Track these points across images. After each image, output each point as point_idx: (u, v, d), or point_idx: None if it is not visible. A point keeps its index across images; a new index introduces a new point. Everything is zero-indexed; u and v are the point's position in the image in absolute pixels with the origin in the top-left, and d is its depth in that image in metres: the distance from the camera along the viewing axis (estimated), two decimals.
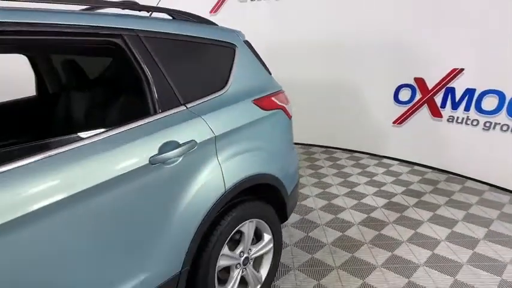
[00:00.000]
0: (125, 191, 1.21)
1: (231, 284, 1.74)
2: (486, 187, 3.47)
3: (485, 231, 2.64)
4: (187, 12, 1.76)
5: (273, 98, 1.95)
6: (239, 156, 1.66)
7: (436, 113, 3.88)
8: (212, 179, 1.52)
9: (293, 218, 2.91)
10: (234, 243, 1.78)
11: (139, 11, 1.61)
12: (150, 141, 1.30)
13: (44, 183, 1.02)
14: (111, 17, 1.35)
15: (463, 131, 3.66)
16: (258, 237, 1.92)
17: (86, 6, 1.67)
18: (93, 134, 1.18)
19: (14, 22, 1.08)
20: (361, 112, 4.49)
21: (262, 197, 1.88)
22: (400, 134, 4.24)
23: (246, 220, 1.74)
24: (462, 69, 3.57)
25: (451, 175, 3.79)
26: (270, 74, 2.10)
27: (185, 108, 1.49)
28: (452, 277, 2.13)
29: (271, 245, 1.96)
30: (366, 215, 2.94)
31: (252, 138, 1.76)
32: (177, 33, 1.58)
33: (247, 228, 1.77)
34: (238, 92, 1.76)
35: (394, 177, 3.77)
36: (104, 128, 1.24)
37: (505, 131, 3.34)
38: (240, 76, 1.81)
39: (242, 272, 1.80)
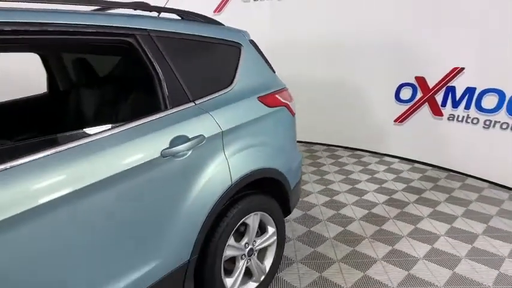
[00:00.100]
0: (139, 182, 1.28)
1: (236, 274, 1.81)
2: (486, 184, 3.52)
3: (484, 227, 2.70)
4: (195, 13, 1.82)
5: (277, 96, 2.02)
6: (245, 151, 1.73)
7: (436, 111, 3.93)
8: (219, 173, 1.59)
9: (296, 213, 2.98)
10: (239, 235, 1.85)
11: (150, 11, 1.68)
12: (161, 135, 1.37)
13: (65, 173, 1.10)
14: (125, 17, 1.42)
15: (464, 129, 3.71)
16: (262, 229, 1.99)
17: (98, 7, 1.74)
18: (109, 128, 1.25)
19: (37, 23, 1.16)
20: (363, 111, 4.55)
21: (267, 191, 1.95)
22: (401, 132, 4.30)
23: (251, 213, 1.81)
24: (463, 68, 3.63)
25: (451, 173, 3.85)
26: (274, 72, 2.16)
27: (194, 104, 1.56)
28: (450, 270, 2.19)
29: (275, 237, 2.03)
30: (367, 211, 3.00)
31: (257, 134, 1.83)
32: (186, 32, 1.65)
33: (252, 220, 1.84)
34: (243, 89, 1.83)
35: (395, 175, 3.83)
36: (118, 122, 1.31)
37: (504, 129, 3.39)
38: (245, 74, 1.87)
39: (247, 262, 1.87)
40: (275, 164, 1.91)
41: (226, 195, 1.61)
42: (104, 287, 1.22)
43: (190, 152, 1.45)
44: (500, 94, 3.38)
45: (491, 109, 3.47)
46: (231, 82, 1.80)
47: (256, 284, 1.94)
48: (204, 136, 1.51)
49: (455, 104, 3.76)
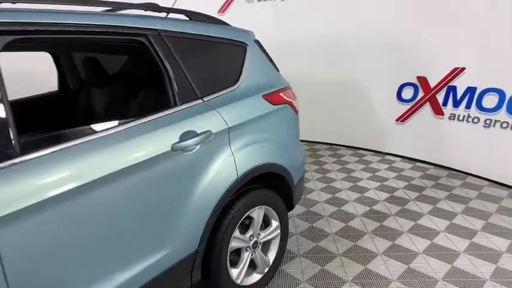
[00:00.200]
0: (151, 173, 1.35)
1: (241, 265, 1.88)
2: (486, 182, 3.58)
3: (483, 223, 2.76)
4: (203, 14, 1.89)
5: (281, 94, 2.09)
6: (250, 147, 1.79)
7: (438, 110, 3.99)
8: (226, 167, 1.65)
9: (298, 209, 3.04)
10: (244, 228, 1.91)
11: (160, 12, 1.75)
12: (172, 130, 1.45)
13: (86, 164, 1.17)
14: (138, 18, 1.49)
15: (464, 129, 3.76)
16: (266, 223, 2.06)
17: (109, 8, 1.81)
18: (124, 122, 1.33)
19: (57, 23, 1.23)
20: (365, 110, 4.61)
21: (271, 186, 2.02)
22: (403, 132, 4.36)
23: (255, 206, 1.88)
24: (463, 68, 3.68)
25: (452, 171, 3.90)
26: (278, 71, 2.23)
27: (202, 101, 1.63)
28: (449, 264, 2.25)
29: (279, 231, 2.09)
30: (368, 208, 3.06)
31: (262, 130, 1.90)
32: (194, 32, 1.72)
33: (257, 214, 1.91)
34: (249, 87, 1.90)
35: (397, 173, 3.88)
36: (131, 118, 1.38)
37: (504, 128, 3.45)
38: (251, 73, 1.94)
39: (251, 255, 1.94)
40: (279, 159, 1.98)
41: (232, 189, 1.68)
42: (120, 272, 1.29)
43: (198, 147, 1.52)
44: (500, 94, 3.44)
45: (491, 108, 3.52)
46: (237, 80, 1.87)
47: (260, 276, 2.01)
48: (211, 132, 1.58)
49: (456, 104, 3.82)
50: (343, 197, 3.29)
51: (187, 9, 1.86)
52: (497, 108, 3.48)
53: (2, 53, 1.10)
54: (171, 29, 1.60)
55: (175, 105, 1.54)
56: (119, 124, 1.33)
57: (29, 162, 1.07)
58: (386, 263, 2.27)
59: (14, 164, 1.05)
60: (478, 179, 3.67)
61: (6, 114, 1.06)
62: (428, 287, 2.04)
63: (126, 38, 1.46)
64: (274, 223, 2.06)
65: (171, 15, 1.77)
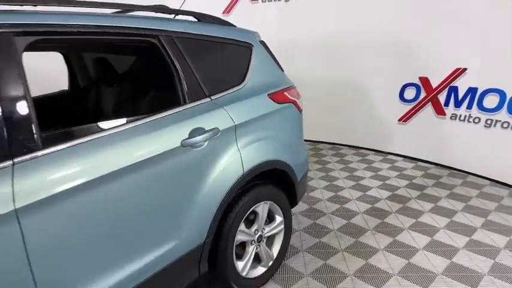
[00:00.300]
0: (162, 167, 1.43)
1: (246, 258, 1.95)
2: (487, 182, 3.62)
3: (482, 221, 2.81)
4: (211, 15, 1.97)
5: (285, 93, 2.15)
6: (255, 143, 1.86)
7: (439, 111, 4.04)
8: (232, 163, 1.72)
9: (301, 207, 3.11)
10: (249, 222, 1.98)
11: (169, 14, 1.82)
12: (181, 127, 1.52)
13: (99, 158, 1.25)
14: (150, 20, 1.56)
15: (466, 128, 3.81)
16: (270, 218, 2.13)
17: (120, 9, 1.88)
18: (136, 119, 1.40)
19: (71, 24, 1.30)
20: (368, 110, 4.66)
21: (275, 182, 2.08)
22: (405, 132, 4.41)
23: (260, 201, 1.95)
24: (465, 69, 3.73)
25: (453, 170, 3.95)
26: (283, 70, 2.30)
27: (210, 99, 1.71)
28: (449, 259, 2.31)
29: (282, 226, 2.16)
30: (370, 205, 3.12)
31: (267, 128, 1.97)
32: (203, 34, 1.80)
33: (261, 209, 1.98)
34: (254, 87, 1.97)
35: (398, 172, 3.94)
36: (143, 115, 1.46)
37: (505, 128, 3.49)
38: (256, 72, 2.01)
39: (256, 248, 2.01)
40: (283, 156, 2.05)
41: (238, 184, 1.75)
42: (135, 259, 1.38)
43: (206, 143, 1.59)
44: (501, 94, 3.48)
45: (492, 108, 3.57)
46: (243, 79, 1.94)
47: (264, 269, 2.07)
48: (219, 129, 1.65)
49: (457, 104, 3.87)
50: (346, 195, 3.35)
51: (194, 10, 1.93)
52: (498, 108, 3.53)
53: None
54: (180, 30, 1.68)
55: (185, 103, 1.61)
56: (133, 121, 1.40)
57: (50, 155, 1.15)
58: (387, 258, 2.33)
59: (37, 156, 1.12)
60: (478, 178, 3.72)
61: (30, 111, 1.14)
62: (427, 281, 2.10)
63: (138, 39, 1.53)
64: (278, 218, 2.13)
65: (180, 16, 1.85)
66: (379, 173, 3.93)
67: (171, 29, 1.62)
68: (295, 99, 2.22)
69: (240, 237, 1.87)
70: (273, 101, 2.04)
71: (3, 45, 1.11)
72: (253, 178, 1.87)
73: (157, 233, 1.46)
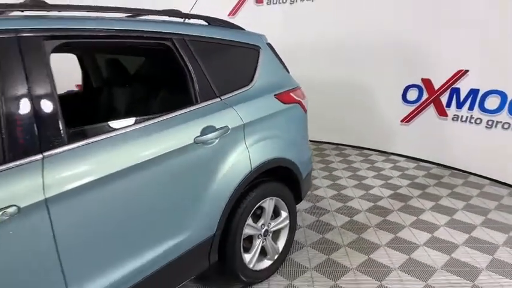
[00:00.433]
0: (177, 162, 1.53)
1: (253, 251, 2.04)
2: (487, 181, 3.69)
3: (482, 219, 2.88)
4: (220, 19, 2.06)
5: (291, 93, 2.24)
6: (263, 142, 1.95)
7: (441, 112, 4.11)
8: (241, 160, 1.82)
9: (305, 205, 3.19)
10: (256, 217, 2.07)
11: (182, 18, 1.92)
12: (194, 125, 1.61)
13: (118, 153, 1.34)
14: (165, 24, 1.66)
15: (467, 129, 3.88)
16: (276, 213, 2.21)
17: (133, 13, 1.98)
18: (152, 117, 1.50)
19: (92, 28, 1.40)
20: (371, 111, 4.74)
21: (281, 179, 2.17)
22: (408, 132, 4.48)
23: (266, 197, 2.04)
24: (467, 71, 3.80)
25: (454, 170, 4.02)
26: (288, 72, 2.39)
27: (220, 99, 1.80)
28: (448, 255, 2.38)
29: (288, 221, 2.25)
30: (372, 204, 3.20)
31: (273, 127, 2.06)
32: (213, 36, 1.89)
33: (268, 204, 2.07)
34: (262, 87, 2.06)
35: (401, 172, 4.01)
36: (159, 113, 1.55)
37: (506, 128, 3.56)
38: (263, 74, 2.10)
39: (263, 242, 2.10)
40: (289, 154, 2.13)
41: (246, 180, 1.84)
42: (151, 248, 1.48)
43: (217, 141, 1.69)
44: (502, 95, 3.55)
45: (493, 110, 3.64)
46: (251, 80, 2.03)
47: (270, 262, 2.16)
48: (228, 127, 1.75)
49: (459, 105, 3.94)
50: (349, 194, 3.43)
51: (201, 13, 2.02)
52: (499, 109, 3.60)
53: None
54: (193, 34, 1.77)
55: (197, 102, 1.70)
56: (150, 119, 1.49)
57: (75, 149, 1.24)
58: (389, 254, 2.41)
59: (64, 151, 1.22)
60: (479, 178, 3.79)
61: (57, 109, 1.24)
62: (427, 275, 2.18)
63: (154, 42, 1.63)
64: (284, 214, 2.22)
65: (192, 20, 1.94)
66: (382, 172, 4.01)
67: (183, 32, 1.72)
68: (301, 100, 2.31)
69: (247, 231, 1.96)
70: (280, 101, 2.13)
71: (34, 49, 1.21)
72: (261, 175, 1.96)
73: (172, 224, 1.56)
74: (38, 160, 1.16)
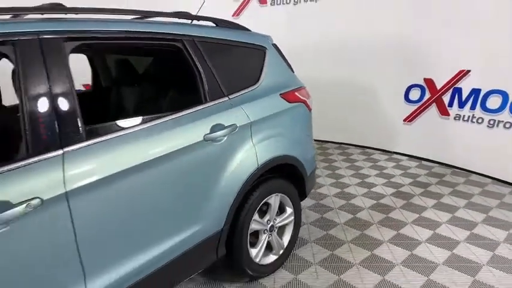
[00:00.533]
0: (187, 160, 1.59)
1: (259, 246, 2.10)
2: (489, 180, 3.74)
3: (483, 217, 2.93)
4: (228, 20, 2.12)
5: (296, 93, 2.30)
6: (269, 140, 2.01)
7: (443, 111, 4.16)
8: (248, 157, 1.88)
9: (309, 202, 3.25)
10: (262, 213, 2.13)
11: (191, 19, 1.98)
12: (204, 123, 1.68)
13: (133, 149, 1.41)
14: (175, 25, 1.72)
15: (469, 129, 3.93)
16: (281, 210, 2.27)
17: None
18: (164, 115, 1.56)
19: (108, 30, 1.47)
20: (374, 110, 4.79)
21: (286, 176, 2.23)
22: (410, 131, 4.54)
23: (272, 194, 2.10)
24: (469, 71, 3.85)
25: (456, 169, 4.07)
26: (293, 72, 2.45)
27: (228, 98, 1.86)
28: (450, 251, 2.44)
29: (293, 217, 2.31)
30: (375, 201, 3.25)
31: (279, 125, 2.12)
32: (221, 37, 1.95)
33: (273, 200, 2.13)
34: (268, 87, 2.12)
35: (403, 171, 4.07)
36: (170, 112, 1.61)
37: (507, 128, 3.61)
38: (269, 73, 2.16)
39: (268, 237, 2.16)
40: (294, 152, 2.19)
41: (253, 176, 1.90)
42: (163, 241, 1.54)
43: (225, 138, 1.75)
44: (504, 95, 3.60)
45: (495, 109, 3.69)
46: (258, 80, 2.09)
47: (276, 257, 2.22)
48: (236, 125, 1.81)
49: (461, 105, 3.99)
50: (352, 192, 3.49)
51: (207, 14, 2.08)
52: (500, 109, 3.64)
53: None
54: (202, 35, 1.83)
55: (206, 101, 1.76)
56: (161, 117, 1.56)
57: (93, 145, 1.31)
58: (391, 249, 2.47)
59: (82, 147, 1.28)
60: (481, 176, 3.84)
61: (76, 107, 1.30)
62: (429, 270, 2.24)
63: (165, 43, 1.69)
64: (289, 210, 2.28)
65: (200, 22, 2.00)
66: (384, 171, 4.06)
67: (193, 34, 1.78)
68: (305, 99, 2.37)
69: (253, 226, 2.02)
70: (285, 100, 2.19)
71: (55, 50, 1.27)
72: (266, 172, 2.02)
73: (184, 217, 1.62)
74: (58, 155, 1.22)
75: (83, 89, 3.78)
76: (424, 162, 4.34)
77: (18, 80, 1.20)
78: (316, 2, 4.92)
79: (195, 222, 1.68)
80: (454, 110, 4.06)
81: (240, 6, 5.55)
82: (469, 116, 3.93)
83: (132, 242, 1.45)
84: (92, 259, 1.32)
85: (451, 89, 4.04)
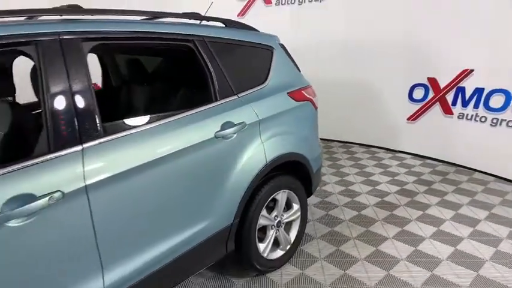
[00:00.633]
0: (199, 156, 1.64)
1: (267, 241, 2.15)
2: (492, 178, 3.78)
3: (486, 214, 2.97)
4: (236, 21, 2.17)
5: (303, 92, 2.35)
6: (277, 137, 2.06)
7: (447, 110, 4.19)
8: (257, 154, 1.93)
9: (314, 200, 3.30)
10: (270, 209, 2.18)
11: (200, 20, 2.03)
12: (214, 121, 1.73)
13: (147, 145, 1.47)
14: (187, 26, 1.78)
15: (472, 127, 3.96)
16: (288, 206, 2.32)
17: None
18: (177, 113, 1.62)
19: (123, 31, 1.52)
20: (378, 110, 4.83)
21: (293, 173, 2.28)
22: (414, 130, 4.57)
23: (280, 190, 2.15)
24: (472, 70, 3.88)
25: (460, 167, 4.11)
26: (300, 71, 2.49)
27: (237, 97, 1.91)
28: (453, 247, 2.48)
29: (299, 213, 2.36)
30: (379, 199, 3.30)
31: (287, 123, 2.17)
32: (230, 38, 2.00)
33: (281, 196, 2.18)
34: (276, 86, 2.17)
35: (407, 169, 4.11)
36: (182, 110, 1.66)
37: (510, 126, 3.64)
38: (277, 73, 2.21)
39: (276, 233, 2.21)
40: (301, 149, 2.24)
41: (261, 173, 1.95)
42: (175, 235, 1.60)
43: (235, 136, 1.80)
44: (507, 94, 3.63)
45: (498, 108, 3.72)
46: (266, 79, 2.14)
47: (283, 252, 2.27)
48: (245, 123, 1.86)
49: (464, 104, 4.02)
50: (356, 190, 3.53)
51: (212, 14, 2.12)
52: (503, 108, 3.67)
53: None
54: (212, 35, 1.89)
55: (216, 100, 1.82)
56: (174, 115, 1.61)
57: (111, 141, 1.37)
58: (396, 245, 2.51)
59: (100, 143, 1.34)
60: (484, 174, 3.87)
61: (94, 104, 1.36)
62: (433, 265, 2.28)
63: (177, 43, 1.75)
64: (295, 206, 2.33)
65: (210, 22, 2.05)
66: (389, 169, 4.11)
67: (204, 34, 1.84)
68: (312, 98, 2.42)
69: (261, 221, 2.07)
70: (292, 99, 2.24)
71: (75, 50, 1.33)
72: (274, 168, 2.07)
73: (196, 212, 1.68)
74: (78, 151, 1.28)
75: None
76: (427, 161, 4.38)
77: (40, 79, 1.26)
78: (320, 2, 4.96)
79: (207, 216, 1.73)
80: (457, 109, 4.10)
81: (245, 6, 5.60)
82: (472, 115, 3.96)
83: (147, 235, 1.50)
84: (109, 251, 1.38)
85: (455, 88, 4.08)
